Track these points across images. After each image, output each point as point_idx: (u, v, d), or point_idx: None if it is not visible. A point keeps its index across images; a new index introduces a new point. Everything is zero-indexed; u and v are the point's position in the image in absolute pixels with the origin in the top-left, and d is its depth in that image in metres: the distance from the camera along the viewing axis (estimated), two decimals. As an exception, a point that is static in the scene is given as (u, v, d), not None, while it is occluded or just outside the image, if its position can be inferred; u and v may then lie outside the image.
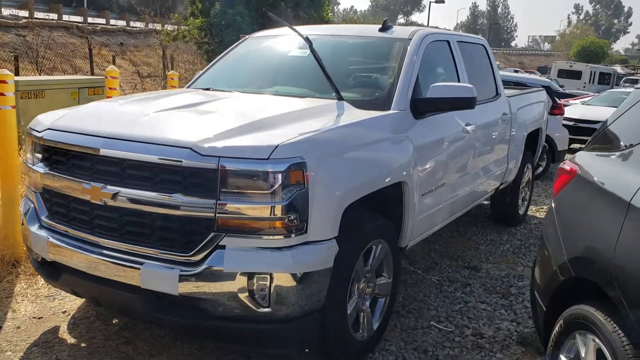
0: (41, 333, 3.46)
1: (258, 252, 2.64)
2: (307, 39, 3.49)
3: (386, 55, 4.07)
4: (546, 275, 2.75)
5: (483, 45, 5.35)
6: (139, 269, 2.73)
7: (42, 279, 3.83)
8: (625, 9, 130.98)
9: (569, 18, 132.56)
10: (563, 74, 33.97)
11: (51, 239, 3.04)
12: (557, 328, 2.55)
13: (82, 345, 3.33)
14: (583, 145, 10.98)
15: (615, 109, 10.80)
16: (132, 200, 2.75)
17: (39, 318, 3.65)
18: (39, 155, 3.21)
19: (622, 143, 2.60)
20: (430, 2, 49.79)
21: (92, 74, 15.32)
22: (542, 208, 7.34)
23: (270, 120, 3.00)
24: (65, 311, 3.75)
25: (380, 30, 4.25)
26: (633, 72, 61.49)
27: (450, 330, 3.76)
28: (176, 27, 18.66)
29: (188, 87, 4.44)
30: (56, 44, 19.06)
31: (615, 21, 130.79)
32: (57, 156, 3.08)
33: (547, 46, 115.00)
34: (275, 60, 4.46)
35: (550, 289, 2.68)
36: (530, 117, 6.03)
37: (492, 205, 6.24)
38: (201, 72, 4.62)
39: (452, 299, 4.27)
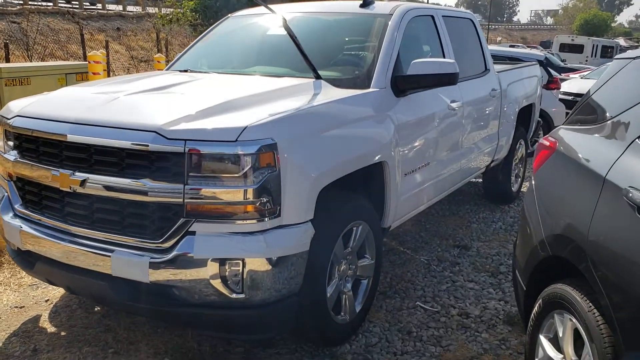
0: (22, 322, 3.43)
1: (229, 237, 2.58)
2: (282, 18, 3.39)
3: (366, 32, 3.96)
4: (526, 254, 2.69)
5: (471, 20, 5.23)
6: (109, 256, 2.68)
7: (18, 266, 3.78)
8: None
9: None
10: (565, 47, 33.61)
11: (24, 228, 2.99)
12: (536, 308, 2.50)
13: (62, 334, 3.30)
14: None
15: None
16: (101, 187, 2.69)
17: (21, 307, 3.62)
18: (10, 143, 3.15)
19: (599, 116, 2.52)
20: (429, -22, 49.13)
21: (85, 58, 15.18)
22: (538, 184, 7.25)
23: (241, 101, 2.92)
24: (47, 300, 3.72)
25: (361, 6, 4.14)
26: (637, 44, 60.72)
27: (436, 310, 3.71)
28: (171, 10, 18.45)
29: (167, 69, 4.36)
30: (51, 30, 18.91)
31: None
32: (27, 143, 3.02)
33: (549, 20, 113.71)
34: (255, 39, 4.36)
35: (529, 267, 2.62)
36: (522, 92, 5.92)
37: (485, 183, 6.16)
38: (181, 53, 4.53)
39: (439, 279, 4.21)
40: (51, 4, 23.73)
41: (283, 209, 2.63)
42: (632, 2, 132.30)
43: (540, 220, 2.55)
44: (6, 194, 3.22)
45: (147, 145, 2.56)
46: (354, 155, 3.08)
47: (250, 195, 2.53)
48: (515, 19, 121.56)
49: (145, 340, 3.23)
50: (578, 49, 33.41)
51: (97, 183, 2.69)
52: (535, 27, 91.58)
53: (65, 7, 23.72)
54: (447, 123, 4.20)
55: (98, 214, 2.78)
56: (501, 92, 5.30)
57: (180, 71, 4.08)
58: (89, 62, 5.47)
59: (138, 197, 2.61)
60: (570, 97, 11.61)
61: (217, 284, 2.59)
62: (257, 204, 2.55)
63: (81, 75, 7.28)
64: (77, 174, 2.74)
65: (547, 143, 2.76)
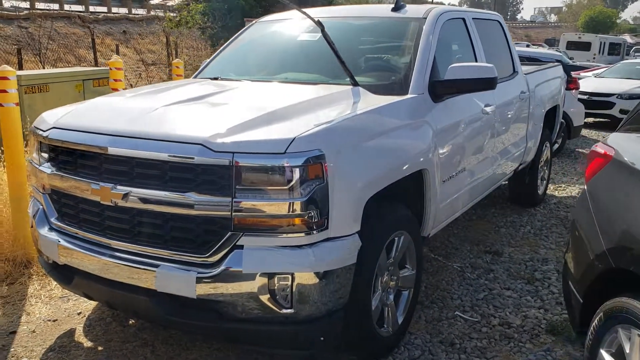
0: (57, 337, 3.37)
1: (278, 251, 2.51)
2: (318, 23, 3.32)
3: (400, 36, 3.89)
4: (582, 265, 2.61)
5: (499, 22, 5.15)
6: (154, 271, 2.61)
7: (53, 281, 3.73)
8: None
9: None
10: (572, 45, 33.38)
11: (62, 242, 2.93)
12: (596, 321, 2.42)
13: (99, 348, 3.24)
14: (597, 120, 10.70)
15: (631, 80, 10.53)
16: (144, 200, 2.62)
17: (54, 321, 3.57)
18: (45, 155, 3.09)
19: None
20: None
21: (96, 64, 15.16)
22: (560, 186, 7.18)
23: (284, 111, 2.85)
24: (80, 312, 3.66)
25: (393, 10, 4.07)
26: (642, 41, 60.58)
27: (477, 320, 3.64)
28: (178, 13, 18.42)
29: (195, 77, 4.29)
30: (59, 34, 18.90)
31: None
32: (64, 156, 2.96)
33: (553, 18, 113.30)
34: (284, 45, 4.29)
35: (587, 279, 2.54)
36: (548, 93, 5.84)
37: (511, 186, 6.07)
38: (208, 60, 4.46)
39: (475, 287, 4.14)
40: (57, 7, 23.77)
41: (331, 221, 2.56)
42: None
43: (599, 231, 2.47)
44: (41, 206, 3.16)
45: (193, 158, 2.49)
46: (398, 163, 3.01)
47: (298, 208, 2.46)
48: (519, 16, 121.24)
49: (184, 354, 3.17)
50: (585, 46, 33.20)
51: (139, 196, 2.63)
52: (540, 24, 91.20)
53: (74, 11, 23.70)
54: (481, 127, 4.13)
55: (140, 228, 2.71)
56: (529, 94, 5.22)
57: (211, 79, 4.01)
58: (110, 69, 5.39)
59: (183, 211, 2.55)
60: (585, 97, 11.52)
61: (266, 298, 2.53)
62: (306, 217, 2.48)
63: (98, 81, 7.24)
64: (119, 187, 2.68)
65: (602, 151, 2.68)
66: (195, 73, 4.34)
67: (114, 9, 27.73)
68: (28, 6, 22.44)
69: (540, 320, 3.67)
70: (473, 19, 4.50)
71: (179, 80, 4.49)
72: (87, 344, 3.30)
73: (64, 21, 21.81)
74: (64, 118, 3.05)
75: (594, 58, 31.40)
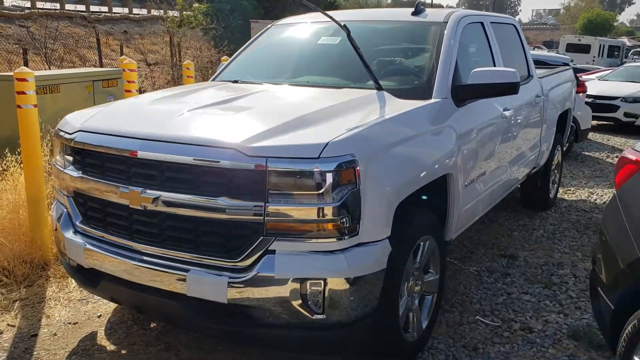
0: (79, 340, 3.36)
1: (310, 256, 2.51)
2: (344, 27, 3.32)
3: (422, 40, 3.90)
4: (613, 273, 2.61)
5: (514, 25, 5.15)
6: (184, 276, 2.60)
7: (77, 284, 3.71)
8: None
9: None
10: (571, 48, 33.40)
11: (89, 246, 2.92)
12: (629, 328, 2.42)
13: (123, 352, 3.23)
14: (600, 123, 10.66)
15: (635, 83, 10.56)
16: (174, 205, 2.61)
17: (75, 323, 3.55)
18: (70, 158, 3.08)
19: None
20: (434, -22, 49.13)
21: (101, 65, 15.11)
22: (570, 190, 7.18)
23: (313, 116, 2.85)
24: (100, 315, 3.65)
25: (413, 14, 4.06)
26: (640, 44, 60.83)
27: (498, 325, 3.63)
28: (181, 13, 18.39)
29: (214, 79, 4.28)
30: (61, 34, 18.83)
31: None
32: (91, 159, 2.94)
33: (551, 19, 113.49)
34: (303, 48, 4.28)
35: (618, 287, 2.54)
36: (561, 97, 5.86)
37: (523, 189, 6.07)
38: (226, 63, 4.45)
39: (493, 291, 4.14)
40: (59, 7, 23.71)
41: (362, 226, 2.56)
42: (633, 1, 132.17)
43: (633, 238, 2.47)
44: (65, 210, 3.15)
45: (226, 163, 2.48)
46: (426, 168, 3.01)
47: (331, 213, 2.46)
48: (517, 18, 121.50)
49: (209, 358, 3.16)
50: (585, 49, 33.23)
51: (170, 200, 2.62)
52: (538, 26, 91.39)
53: (74, 10, 23.65)
54: (500, 131, 4.13)
55: (169, 232, 2.70)
56: (544, 98, 5.22)
57: (232, 82, 4.00)
58: (124, 70, 5.38)
59: (214, 215, 2.54)
60: (590, 100, 11.53)
61: (297, 304, 2.52)
62: (338, 222, 2.48)
63: (107, 82, 7.22)
64: (149, 191, 2.67)
65: (633, 157, 2.68)
66: (214, 76, 4.32)
67: (115, 9, 27.66)
68: (29, 5, 22.34)
69: (561, 325, 3.66)
70: (491, 22, 4.50)
71: (200, 83, 4.47)
72: (110, 347, 3.29)
73: (66, 21, 21.76)
74: (91, 121, 3.04)
75: (593, 60, 31.46)
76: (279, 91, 3.60)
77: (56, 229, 3.19)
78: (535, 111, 5.01)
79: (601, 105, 11.90)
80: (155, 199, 2.64)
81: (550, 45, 51.37)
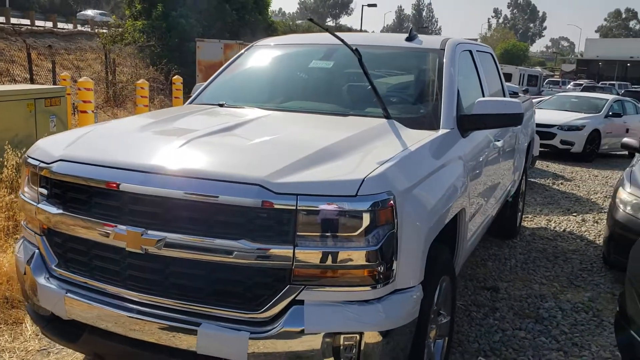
0: (45, 402, 2.89)
1: (344, 307, 2.23)
2: (356, 51, 3.10)
3: (420, 67, 3.73)
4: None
5: (491, 54, 5.13)
6: (195, 331, 2.25)
7: (46, 336, 3.20)
8: (540, 14, 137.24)
9: (489, 22, 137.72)
10: (494, 76, 34.85)
11: (70, 295, 2.50)
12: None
13: (102, 415, 2.79)
14: (541, 150, 10.88)
15: (569, 112, 11.03)
16: (184, 247, 2.26)
17: (36, 381, 3.07)
18: (45, 191, 2.64)
19: None
20: (362, 5, 50.24)
21: (32, 81, 14.14)
22: (527, 217, 7.24)
23: (335, 147, 2.56)
24: (65, 370, 3.18)
25: (407, 39, 3.90)
26: (552, 73, 64.70)
27: (504, 366, 3.47)
28: (113, 29, 17.66)
29: (192, 102, 3.93)
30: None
31: (531, 25, 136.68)
32: (74, 193, 2.53)
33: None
34: (293, 71, 4.01)
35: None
36: (529, 126, 5.89)
37: (494, 218, 6.01)
38: (203, 85, 4.10)
39: (487, 327, 3.98)
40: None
41: (398, 271, 2.31)
42: (543, 34, 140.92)
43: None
44: (38, 250, 2.71)
45: (248, 200, 2.17)
46: (450, 203, 2.81)
47: (369, 258, 2.20)
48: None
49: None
50: (507, 77, 34.67)
51: (178, 243, 2.27)
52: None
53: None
54: (493, 162, 4.03)
55: (174, 279, 2.34)
56: (519, 127, 5.20)
57: (217, 105, 3.65)
58: (79, 89, 4.92)
59: (232, 260, 2.21)
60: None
61: (328, 360, 2.23)
62: (376, 267, 2.22)
63: (50, 101, 6.63)
64: (151, 232, 2.30)
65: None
66: (191, 99, 3.96)
67: (38, 22, 26.25)
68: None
69: (565, 364, 3.55)
70: (477, 51, 4.43)
71: (181, 107, 4.08)
72: (86, 409, 2.84)
73: (-18, 33, 20.35)
74: (73, 149, 2.63)
75: (516, 90, 32.92)
76: (282, 118, 3.29)
77: (25, 273, 2.73)
78: (512, 140, 4.97)
79: (539, 132, 12.27)
80: (160, 241, 2.28)
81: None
